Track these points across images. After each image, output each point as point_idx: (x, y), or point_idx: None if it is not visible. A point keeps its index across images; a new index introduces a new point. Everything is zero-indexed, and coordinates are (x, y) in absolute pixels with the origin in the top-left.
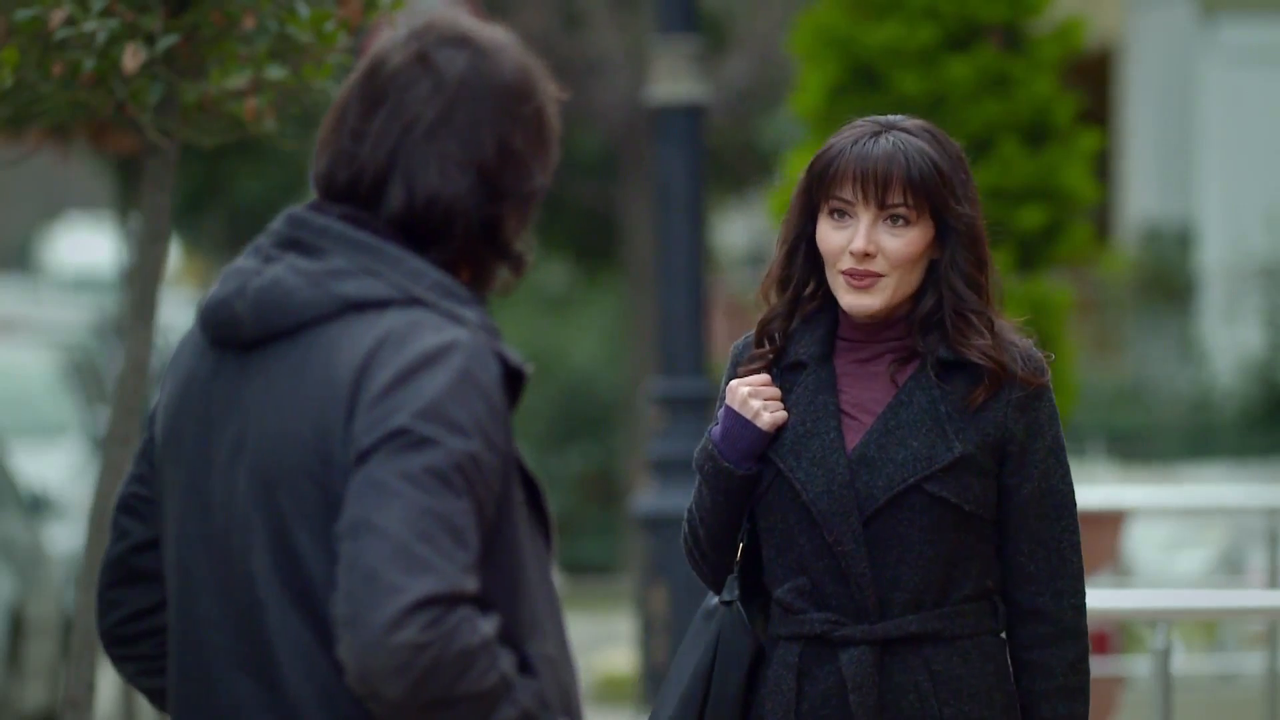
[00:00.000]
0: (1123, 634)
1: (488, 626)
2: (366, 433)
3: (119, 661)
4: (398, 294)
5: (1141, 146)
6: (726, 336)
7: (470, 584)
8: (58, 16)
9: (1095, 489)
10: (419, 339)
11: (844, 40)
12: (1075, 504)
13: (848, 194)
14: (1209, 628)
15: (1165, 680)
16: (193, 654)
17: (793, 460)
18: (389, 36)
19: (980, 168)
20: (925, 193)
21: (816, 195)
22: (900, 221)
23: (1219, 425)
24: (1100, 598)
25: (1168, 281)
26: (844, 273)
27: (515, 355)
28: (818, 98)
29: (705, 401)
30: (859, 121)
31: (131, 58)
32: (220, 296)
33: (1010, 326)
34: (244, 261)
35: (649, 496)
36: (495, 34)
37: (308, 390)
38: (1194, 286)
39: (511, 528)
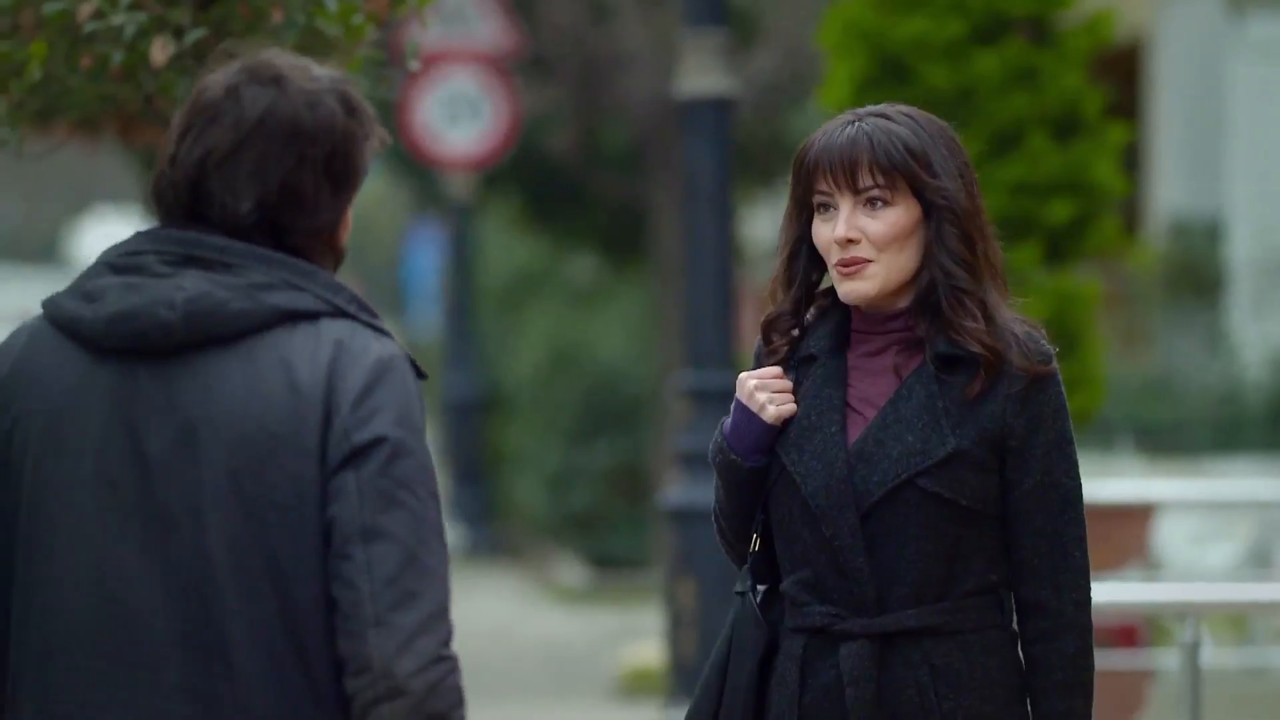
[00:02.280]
0: (1151, 627)
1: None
2: (353, 432)
3: None
4: (325, 306)
5: (1170, 140)
6: (754, 330)
7: (450, 584)
8: (86, 10)
9: (1124, 482)
10: (369, 349)
11: (872, 34)
12: (1080, 498)
13: (825, 186)
14: (1238, 621)
15: (1194, 674)
16: (120, 644)
17: (795, 454)
18: (223, 69)
19: (1008, 161)
20: (897, 171)
21: (804, 194)
22: (879, 204)
23: (1247, 418)
24: (1129, 591)
25: (1196, 275)
26: (836, 263)
27: (417, 363)
28: (846, 91)
29: (733, 395)
30: (839, 116)
31: (160, 51)
32: (124, 308)
33: (1015, 316)
34: (119, 278)
35: (677, 490)
36: (317, 78)
37: (269, 394)
38: (1222, 280)
39: None
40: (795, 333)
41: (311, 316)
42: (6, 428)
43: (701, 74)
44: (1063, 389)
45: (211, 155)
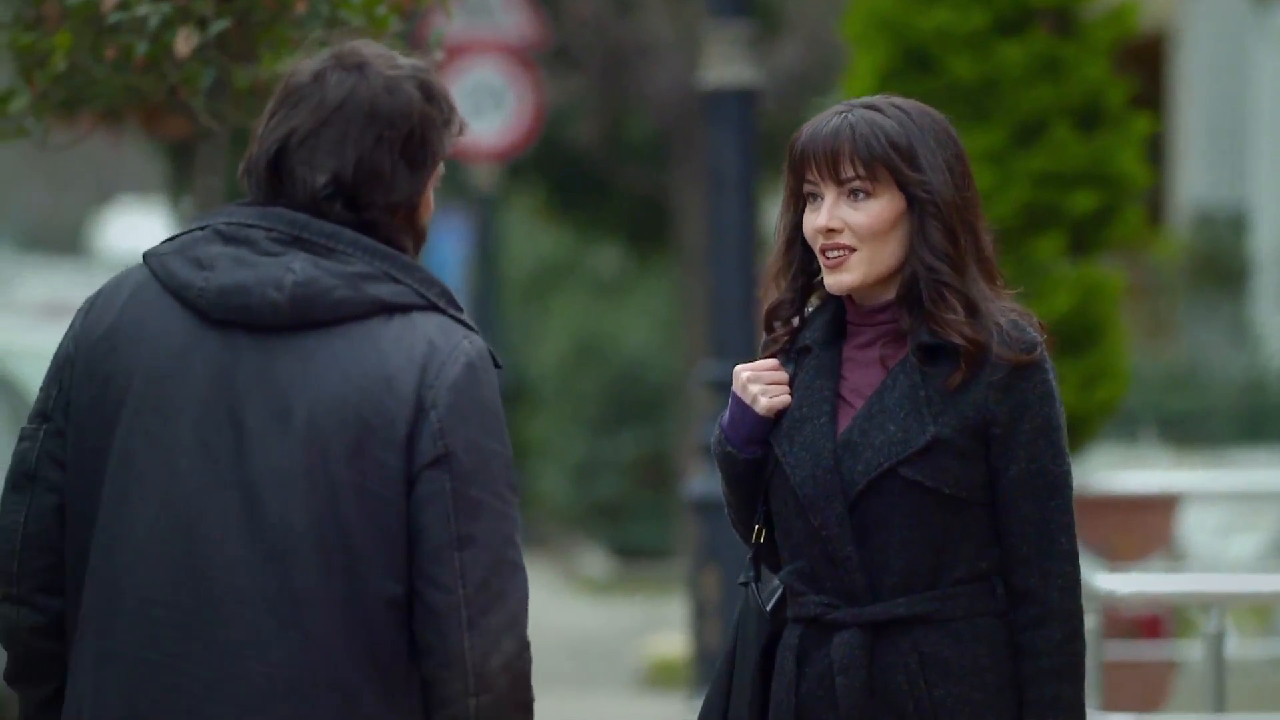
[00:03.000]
0: (1176, 618)
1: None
2: (447, 434)
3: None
4: (419, 300)
5: (1194, 131)
6: None
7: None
8: (110, 1)
9: (1148, 473)
10: (460, 348)
11: (896, 24)
12: (1069, 484)
13: (811, 176)
14: (1262, 612)
15: (1218, 664)
16: (198, 599)
17: (786, 445)
18: (315, 57)
19: (1032, 152)
20: (878, 163)
21: (796, 184)
22: (860, 195)
23: (1272, 409)
24: (1153, 582)
25: (1220, 266)
26: (820, 253)
27: (496, 353)
28: (869, 82)
29: None
30: (832, 107)
31: (184, 42)
32: (234, 282)
33: (1008, 306)
34: (230, 249)
35: (701, 480)
36: (399, 65)
37: (364, 382)
38: (1247, 271)
39: None
40: (796, 321)
41: (406, 309)
42: (105, 374)
43: (726, 65)
44: (1050, 376)
45: (294, 135)
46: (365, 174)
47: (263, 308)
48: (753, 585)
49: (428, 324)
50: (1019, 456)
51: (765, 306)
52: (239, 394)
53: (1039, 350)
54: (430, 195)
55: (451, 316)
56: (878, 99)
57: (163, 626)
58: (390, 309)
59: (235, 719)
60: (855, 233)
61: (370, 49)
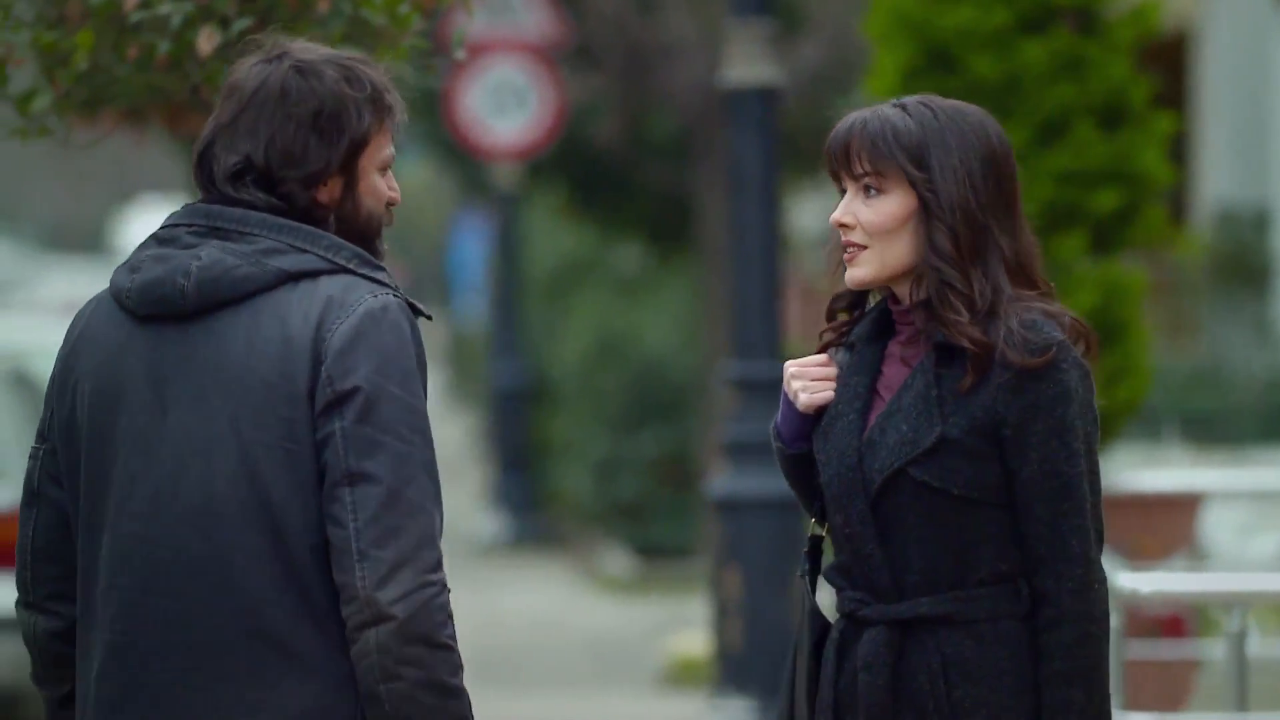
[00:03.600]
0: (1198, 617)
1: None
2: (338, 380)
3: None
4: (326, 265)
5: (1217, 129)
6: (800, 319)
7: (440, 515)
8: (132, 0)
9: (1170, 473)
10: (360, 301)
11: (918, 23)
12: (1083, 486)
13: (834, 170)
14: None
15: (1240, 664)
16: (148, 576)
17: (820, 441)
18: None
19: (1055, 151)
20: (884, 160)
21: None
22: (873, 192)
23: None
24: (1176, 581)
25: (1243, 264)
26: (840, 246)
27: (419, 305)
28: (892, 81)
29: (779, 384)
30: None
31: (206, 41)
32: (152, 278)
33: (1031, 306)
34: (157, 250)
35: (723, 480)
36: (316, 52)
37: (266, 347)
38: (1269, 269)
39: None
40: (856, 313)
41: (313, 275)
42: (70, 387)
43: (747, 63)
44: (1068, 377)
45: (218, 127)
46: (276, 151)
47: (174, 296)
48: (804, 579)
49: (332, 285)
50: (1031, 458)
51: (831, 296)
52: (164, 381)
53: (1053, 352)
54: (374, 177)
55: (364, 276)
56: (916, 97)
57: (123, 607)
58: (295, 277)
59: (178, 681)
60: (865, 229)
61: (299, 44)
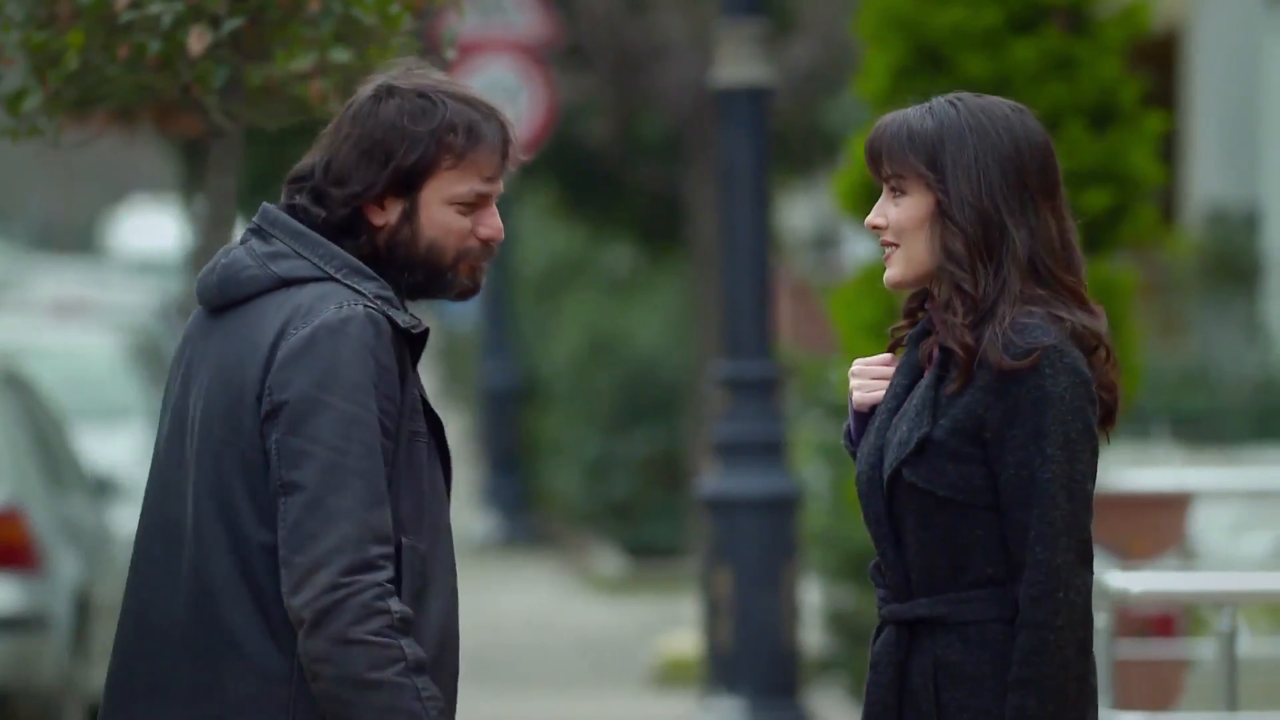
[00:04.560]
0: (1188, 617)
1: (384, 575)
2: (276, 391)
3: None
4: (317, 273)
5: (1207, 129)
6: (791, 319)
7: (376, 520)
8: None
9: (1161, 472)
10: (322, 311)
11: (909, 23)
12: (1059, 493)
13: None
14: (1275, 611)
15: (1230, 663)
16: (142, 571)
17: (861, 441)
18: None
19: None
20: (899, 160)
21: None
22: (898, 192)
23: None
24: (1166, 580)
25: (1233, 264)
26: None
27: (406, 318)
28: (882, 80)
29: (770, 384)
30: None
31: (197, 40)
32: (205, 270)
33: (1029, 308)
34: (230, 244)
35: (713, 479)
36: (414, 80)
37: (242, 349)
38: (1260, 269)
39: (415, 453)
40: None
41: (301, 281)
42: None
43: (738, 63)
44: (1048, 382)
45: (322, 134)
46: (329, 169)
47: (206, 290)
48: (875, 574)
49: (309, 293)
50: (1009, 462)
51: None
52: (190, 366)
53: (1035, 356)
54: (438, 209)
55: (348, 286)
56: (949, 96)
57: (131, 573)
58: (288, 282)
59: (153, 666)
60: (892, 229)
61: (429, 73)
